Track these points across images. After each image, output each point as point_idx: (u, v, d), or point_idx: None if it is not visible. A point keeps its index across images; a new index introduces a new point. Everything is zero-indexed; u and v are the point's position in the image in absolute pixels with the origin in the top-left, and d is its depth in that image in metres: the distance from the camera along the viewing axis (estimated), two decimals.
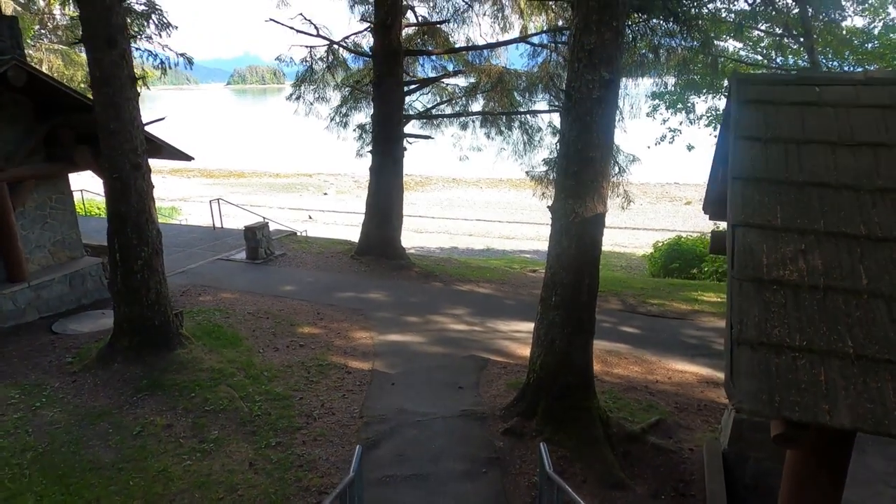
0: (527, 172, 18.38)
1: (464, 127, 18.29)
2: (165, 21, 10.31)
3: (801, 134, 4.26)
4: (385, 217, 14.18)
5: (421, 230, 29.31)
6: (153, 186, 8.56)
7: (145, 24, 10.04)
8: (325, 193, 40.21)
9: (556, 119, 17.41)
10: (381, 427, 7.14)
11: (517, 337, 10.23)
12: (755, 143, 4.27)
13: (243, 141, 66.61)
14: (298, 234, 17.71)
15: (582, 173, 6.35)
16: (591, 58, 5.97)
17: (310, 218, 30.91)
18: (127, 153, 7.96)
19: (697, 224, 31.62)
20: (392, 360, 9.24)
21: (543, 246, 26.04)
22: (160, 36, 10.09)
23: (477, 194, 41.32)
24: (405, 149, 14.50)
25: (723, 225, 6.56)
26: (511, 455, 6.58)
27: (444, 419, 7.29)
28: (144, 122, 8.57)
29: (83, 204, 20.76)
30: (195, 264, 14.00)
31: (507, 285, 13.56)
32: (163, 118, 9.46)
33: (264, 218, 16.19)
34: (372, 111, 14.50)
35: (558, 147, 7.11)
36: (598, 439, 6.60)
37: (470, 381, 8.50)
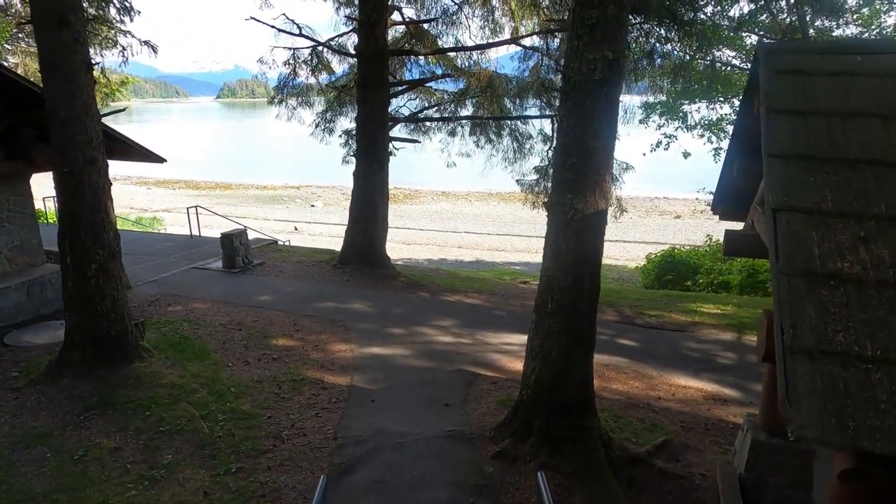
0: (517, 181, 17.78)
1: (452, 134, 17.67)
2: (128, 5, 9.54)
3: (846, 106, 3.60)
4: (369, 224, 13.42)
5: (409, 242, 28.58)
6: (110, 183, 7.78)
7: (104, 6, 9.27)
8: (313, 205, 39.43)
9: (547, 126, 16.84)
10: (358, 450, 6.33)
11: (508, 350, 9.48)
12: (792, 116, 3.59)
13: (230, 154, 65.76)
14: (280, 243, 16.90)
15: (582, 165, 5.66)
16: (592, 34, 5.31)
17: (295, 229, 30.08)
18: (80, 145, 7.18)
19: (689, 237, 31.18)
20: (373, 375, 8.44)
21: (534, 258, 25.37)
22: (122, 21, 9.33)
23: (466, 207, 40.75)
24: (391, 153, 13.82)
25: (735, 226, 5.91)
26: (502, 482, 5.79)
27: (428, 441, 6.49)
28: (105, 112, 7.81)
29: (45, 211, 19.80)
30: (168, 273, 13.14)
31: (497, 296, 12.83)
32: (124, 108, 8.71)
33: (243, 226, 15.37)
34: (357, 115, 13.81)
35: (554, 140, 6.41)
36: (600, 463, 5.84)
37: (457, 397, 7.72)
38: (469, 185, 44.55)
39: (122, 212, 24.44)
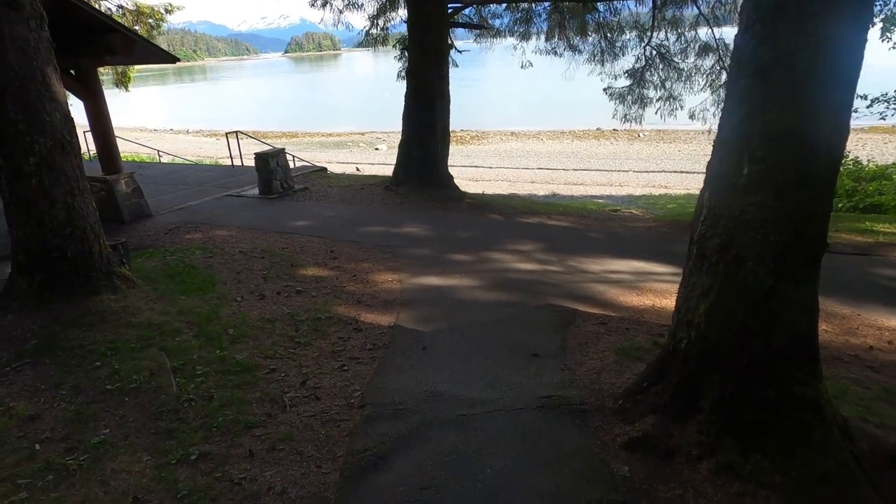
0: (604, 90, 14.34)
1: (524, 37, 14.37)
2: None
3: None
4: (427, 135, 10.61)
5: (477, 178, 25.67)
6: (51, 43, 5.34)
7: None
8: (377, 149, 37.07)
9: (643, 13, 13.25)
10: (394, 427, 3.75)
11: (616, 279, 6.59)
12: None
13: (297, 105, 64.45)
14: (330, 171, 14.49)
15: None
16: None
17: (357, 170, 27.80)
18: None
19: None
20: (426, 312, 5.82)
21: (617, 191, 21.66)
22: None
23: (537, 145, 37.14)
24: (452, 45, 10.78)
25: None
26: (652, 498, 3.05)
27: (511, 414, 3.82)
28: None
29: None
30: (197, 201, 11.01)
31: (589, 219, 9.82)
32: None
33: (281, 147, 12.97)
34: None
35: None
36: (847, 470, 2.96)
37: (551, 344, 4.97)
38: (540, 124, 40.86)
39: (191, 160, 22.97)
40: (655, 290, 6.31)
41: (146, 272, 6.72)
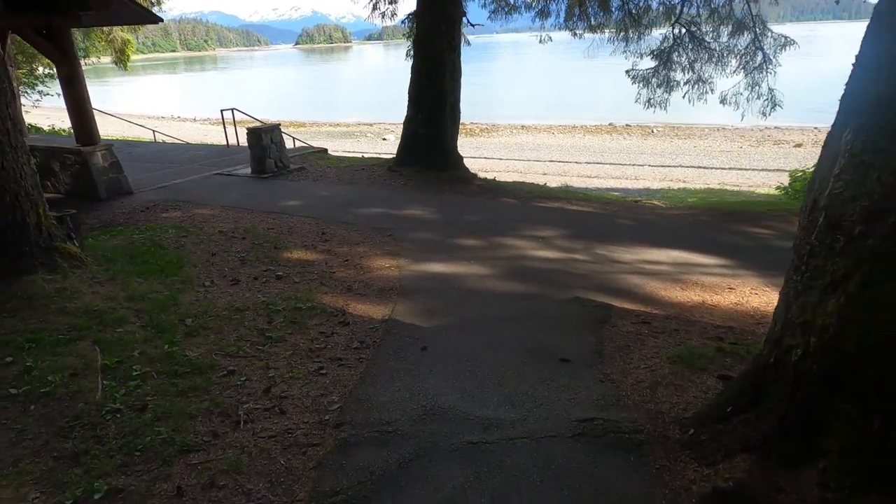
0: (627, 72, 13.19)
1: (542, 14, 13.22)
2: None
3: None
4: (435, 111, 9.53)
5: (486, 170, 24.55)
6: None
7: None
8: (384, 139, 36.05)
9: None
10: (378, 458, 2.71)
11: (654, 271, 5.51)
12: None
13: (306, 96, 63.57)
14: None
15: None
16: None
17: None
18: None
19: (812, 165, 25.25)
20: (428, 304, 4.77)
21: (633, 185, 20.53)
22: None
23: (548, 139, 36.01)
24: (464, 11, 9.69)
25: None
26: None
27: (537, 444, 2.76)
28: None
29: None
30: (183, 179, 9.99)
31: (614, 205, 8.73)
32: None
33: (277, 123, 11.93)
34: None
35: None
36: None
37: (582, 346, 3.91)
38: (550, 118, 39.82)
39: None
40: (703, 284, 5.23)
41: (104, 250, 5.71)
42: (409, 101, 9.87)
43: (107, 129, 25.03)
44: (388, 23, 13.60)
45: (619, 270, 5.54)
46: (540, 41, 12.12)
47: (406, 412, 3.11)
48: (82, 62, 23.10)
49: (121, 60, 19.63)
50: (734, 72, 12.18)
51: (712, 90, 12.39)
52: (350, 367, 3.75)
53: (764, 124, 38.82)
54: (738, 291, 5.08)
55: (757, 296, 4.99)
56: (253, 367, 3.74)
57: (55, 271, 4.63)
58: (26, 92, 19.62)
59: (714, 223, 7.30)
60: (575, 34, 13.54)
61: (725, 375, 3.22)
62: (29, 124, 19.90)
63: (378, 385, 3.47)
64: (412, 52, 9.72)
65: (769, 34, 11.82)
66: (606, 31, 12.76)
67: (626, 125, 35.69)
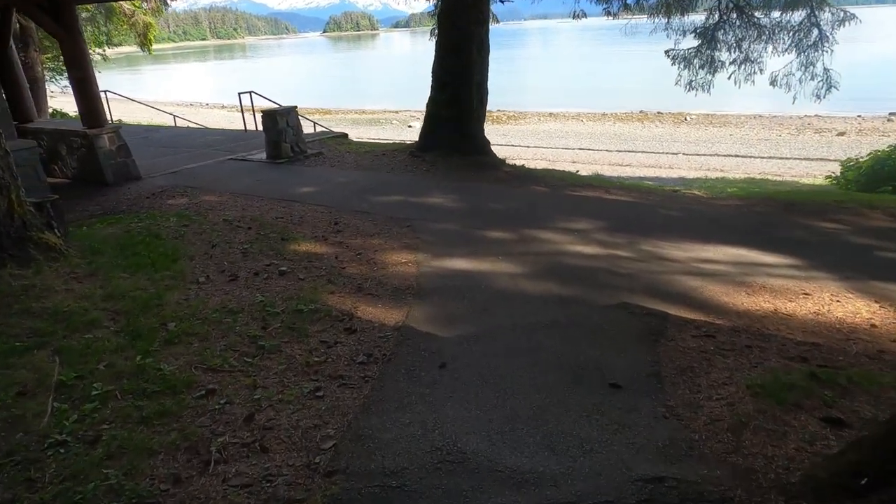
0: (666, 52, 12.20)
1: None
2: None
3: None
4: (461, 91, 8.74)
5: (513, 158, 23.67)
6: None
7: None
8: (410, 126, 35.34)
9: None
10: None
11: (711, 271, 4.69)
12: None
13: (333, 83, 63.18)
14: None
15: None
16: None
17: None
18: None
19: (862, 154, 23.67)
20: (449, 308, 4.06)
21: (667, 173, 19.43)
22: None
23: (577, 126, 34.80)
24: None
25: None
26: None
27: None
28: None
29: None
30: (195, 164, 9.45)
31: (655, 195, 7.86)
32: None
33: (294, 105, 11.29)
34: None
35: None
36: None
37: (636, 366, 3.16)
38: (579, 106, 38.57)
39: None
40: (771, 288, 4.40)
41: (93, 240, 5.15)
42: (433, 79, 9.10)
43: (136, 115, 24.92)
44: (416, 3, 12.85)
45: (669, 270, 4.74)
46: (573, 16, 11.17)
47: (416, 458, 2.42)
48: (108, 50, 22.78)
49: (144, 44, 19.26)
50: (785, 50, 11.09)
51: (761, 70, 11.32)
52: (353, 387, 3.08)
53: (803, 112, 37.03)
54: (815, 298, 4.24)
55: (840, 304, 4.14)
56: (237, 385, 3.10)
57: (27, 265, 4.06)
58: (54, 78, 19.39)
59: (773, 215, 6.40)
60: (609, 14, 12.55)
61: (833, 419, 2.44)
62: (55, 110, 19.72)
63: (384, 415, 2.78)
64: (437, 28, 8.93)
65: (826, 8, 10.70)
66: (644, 7, 11.76)
67: (658, 113, 34.29)
